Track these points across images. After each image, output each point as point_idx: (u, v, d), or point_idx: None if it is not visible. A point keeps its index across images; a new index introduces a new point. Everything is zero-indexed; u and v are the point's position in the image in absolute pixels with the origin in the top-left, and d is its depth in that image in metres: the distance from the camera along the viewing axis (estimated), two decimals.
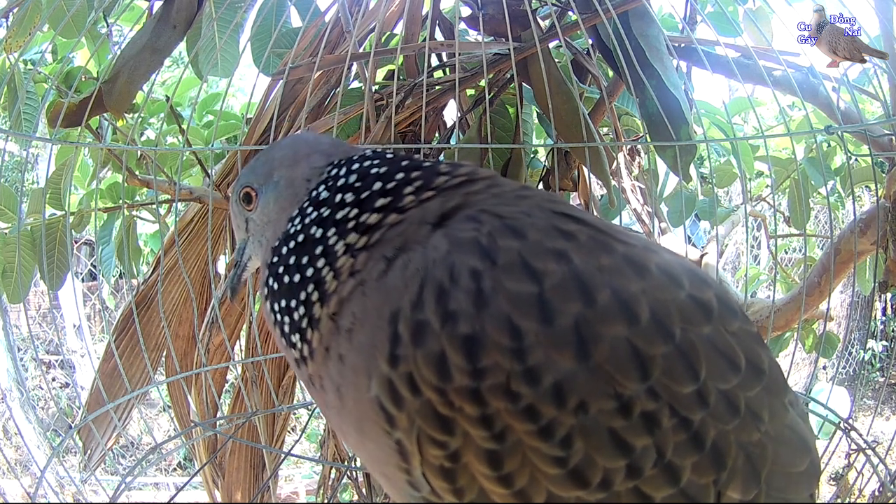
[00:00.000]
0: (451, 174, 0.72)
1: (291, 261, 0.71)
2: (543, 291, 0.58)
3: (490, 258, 0.60)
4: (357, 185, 0.71)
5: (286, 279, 0.71)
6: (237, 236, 0.86)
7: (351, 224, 0.69)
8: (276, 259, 0.73)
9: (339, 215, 0.70)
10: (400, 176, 0.71)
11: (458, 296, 0.58)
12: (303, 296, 0.69)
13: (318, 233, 0.70)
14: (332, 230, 0.69)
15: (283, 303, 0.71)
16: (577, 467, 0.58)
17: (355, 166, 0.73)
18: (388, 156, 0.74)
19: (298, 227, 0.72)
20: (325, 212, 0.71)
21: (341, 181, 0.72)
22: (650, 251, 0.65)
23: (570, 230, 0.63)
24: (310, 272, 0.69)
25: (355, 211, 0.69)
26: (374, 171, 0.72)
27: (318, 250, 0.70)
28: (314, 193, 0.74)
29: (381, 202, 0.69)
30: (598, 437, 0.58)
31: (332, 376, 0.67)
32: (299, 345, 0.70)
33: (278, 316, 0.72)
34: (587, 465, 0.58)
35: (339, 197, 0.71)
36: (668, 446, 0.59)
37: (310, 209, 0.72)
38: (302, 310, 0.69)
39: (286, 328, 0.71)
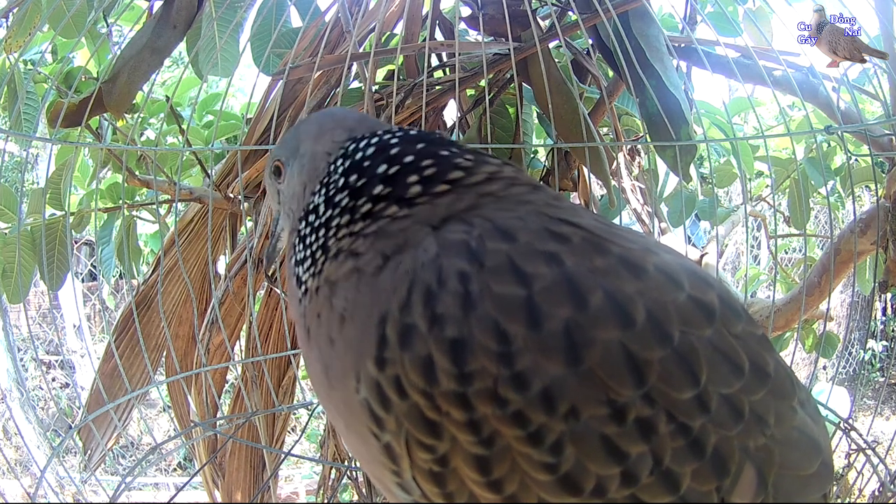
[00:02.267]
0: (471, 171, 0.70)
1: (310, 230, 0.74)
2: (532, 295, 0.57)
3: (478, 261, 0.59)
4: (366, 164, 0.71)
5: (307, 241, 0.74)
6: (273, 208, 0.89)
7: (353, 205, 0.70)
8: (301, 225, 0.76)
9: (344, 197, 0.71)
10: (409, 159, 0.70)
11: (446, 299, 0.58)
12: (315, 249, 0.72)
13: (332, 206, 0.72)
14: (340, 208, 0.71)
15: (301, 255, 0.74)
16: (568, 474, 0.57)
17: (374, 140, 0.73)
18: (412, 133, 0.74)
19: (319, 201, 0.74)
20: (334, 190, 0.72)
21: (359, 154, 0.73)
22: (649, 252, 0.64)
23: (564, 233, 0.62)
24: (322, 233, 0.72)
25: (358, 195, 0.70)
26: (392, 149, 0.71)
27: (329, 219, 0.72)
28: (332, 168, 0.75)
29: (378, 189, 0.69)
30: (590, 443, 0.56)
31: (322, 349, 0.68)
32: (305, 284, 0.73)
33: (298, 269, 0.74)
34: (579, 471, 0.57)
35: (351, 176, 0.72)
36: (666, 453, 0.58)
37: (329, 185, 0.74)
38: (310, 262, 0.72)
39: (302, 276, 0.74)
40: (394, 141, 0.72)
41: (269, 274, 1.59)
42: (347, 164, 0.73)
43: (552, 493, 0.58)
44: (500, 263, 0.59)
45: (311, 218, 0.74)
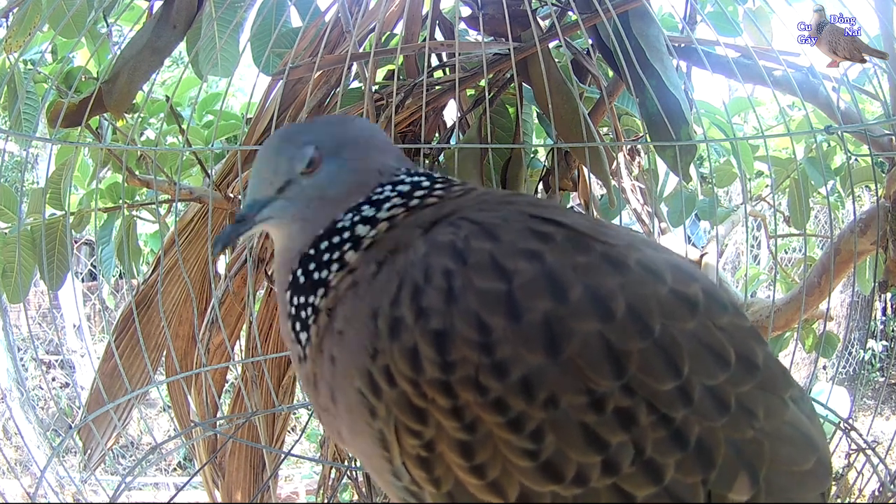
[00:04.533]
0: (448, 185, 0.75)
1: (325, 258, 0.71)
2: (512, 289, 0.60)
3: (462, 258, 0.62)
4: (406, 190, 0.74)
5: (315, 275, 0.71)
6: (257, 192, 0.75)
7: (371, 233, 0.71)
8: (312, 251, 0.72)
9: (361, 231, 0.72)
10: (426, 184, 0.75)
11: (431, 293, 0.61)
12: (320, 292, 0.70)
13: (359, 230, 0.71)
14: (357, 239, 0.71)
15: (303, 298, 0.72)
16: (548, 461, 0.59)
17: (414, 178, 0.75)
18: (436, 176, 0.77)
19: (347, 224, 0.72)
20: (371, 212, 0.72)
21: (407, 187, 0.74)
22: (633, 248, 0.65)
23: (547, 231, 0.64)
24: (325, 273, 0.71)
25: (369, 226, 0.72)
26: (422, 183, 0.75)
27: (347, 246, 0.71)
28: (379, 190, 0.74)
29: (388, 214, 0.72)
30: (570, 431, 0.58)
31: (325, 378, 0.69)
32: (304, 342, 0.72)
33: (294, 310, 0.73)
34: (559, 459, 0.59)
35: (387, 203, 0.72)
36: (647, 443, 0.59)
37: (365, 207, 0.72)
38: (311, 308, 0.71)
39: (298, 324, 0.72)
40: (425, 182, 0.75)
41: (267, 273, 1.59)
42: (395, 191, 0.73)
43: (534, 479, 0.60)
44: (482, 260, 0.62)
45: (336, 240, 0.71)
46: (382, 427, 0.64)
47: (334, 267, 0.70)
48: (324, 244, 0.72)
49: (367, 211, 0.72)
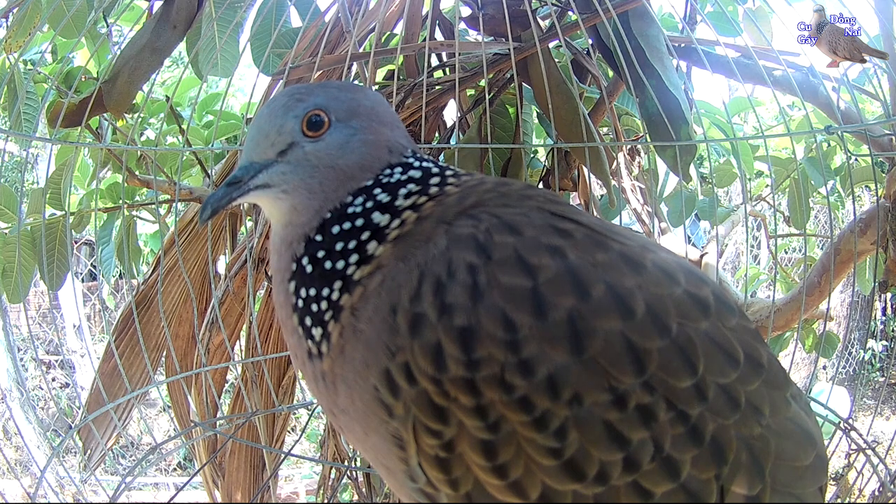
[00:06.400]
0: (458, 176, 0.73)
1: (339, 246, 0.67)
2: (538, 285, 0.59)
3: (486, 253, 0.61)
4: (419, 177, 0.71)
5: (326, 265, 0.67)
6: (255, 153, 0.70)
7: (395, 223, 0.68)
8: (319, 237, 0.68)
9: (395, 208, 0.69)
10: (437, 170, 0.72)
11: (455, 289, 0.59)
12: (337, 285, 0.66)
13: (376, 219, 0.67)
14: (385, 219, 0.67)
15: (313, 291, 0.67)
16: (572, 459, 0.59)
17: (421, 164, 0.72)
18: (434, 160, 0.75)
19: (359, 210, 0.68)
20: (385, 198, 0.69)
21: (418, 173, 0.71)
22: (647, 249, 0.66)
23: (567, 228, 0.64)
24: (340, 265, 0.67)
25: (394, 216, 0.69)
26: (432, 170, 0.72)
27: (366, 236, 0.67)
28: (389, 172, 0.70)
29: (422, 200, 0.69)
30: (593, 429, 0.58)
31: (347, 379, 0.67)
32: (318, 338, 0.67)
33: (301, 302, 0.68)
34: (583, 457, 0.59)
35: (403, 189, 0.69)
36: (666, 440, 0.60)
37: (377, 191, 0.69)
38: (326, 303, 0.67)
39: (308, 319, 0.68)
40: (435, 169, 0.72)
41: (267, 273, 1.59)
42: (407, 176, 0.70)
43: (556, 478, 0.59)
44: (507, 256, 0.61)
45: (347, 226, 0.67)
46: (399, 426, 0.62)
47: (353, 258, 0.66)
48: (334, 229, 0.68)
49: (382, 196, 0.68)
